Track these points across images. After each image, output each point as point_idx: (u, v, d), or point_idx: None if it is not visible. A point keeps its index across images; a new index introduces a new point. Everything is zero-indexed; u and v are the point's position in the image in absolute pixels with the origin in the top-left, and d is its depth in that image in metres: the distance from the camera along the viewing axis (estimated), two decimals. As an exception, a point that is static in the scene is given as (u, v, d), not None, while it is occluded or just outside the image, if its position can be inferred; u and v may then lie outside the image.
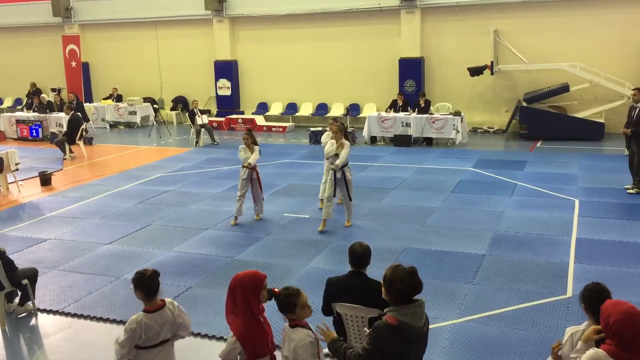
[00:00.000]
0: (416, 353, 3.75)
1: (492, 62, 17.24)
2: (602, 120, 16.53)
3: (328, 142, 9.50)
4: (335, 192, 9.48)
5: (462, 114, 16.50)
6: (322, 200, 10.24)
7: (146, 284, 4.24)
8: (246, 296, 3.90)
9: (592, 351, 3.54)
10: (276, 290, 4.02)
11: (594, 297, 3.88)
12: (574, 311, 6.29)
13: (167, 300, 4.38)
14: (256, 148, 9.68)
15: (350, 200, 9.51)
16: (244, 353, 3.93)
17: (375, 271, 7.11)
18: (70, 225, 10.09)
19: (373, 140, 17.09)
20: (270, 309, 6.60)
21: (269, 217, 10.18)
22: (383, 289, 3.78)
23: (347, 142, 9.32)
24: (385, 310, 3.75)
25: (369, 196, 11.27)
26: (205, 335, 6.18)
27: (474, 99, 18.64)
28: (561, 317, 6.33)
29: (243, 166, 9.69)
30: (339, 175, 9.28)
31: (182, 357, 5.77)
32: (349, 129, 17.25)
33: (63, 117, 17.84)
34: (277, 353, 4.24)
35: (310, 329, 4.00)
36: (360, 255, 4.83)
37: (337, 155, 9.22)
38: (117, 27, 22.81)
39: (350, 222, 9.60)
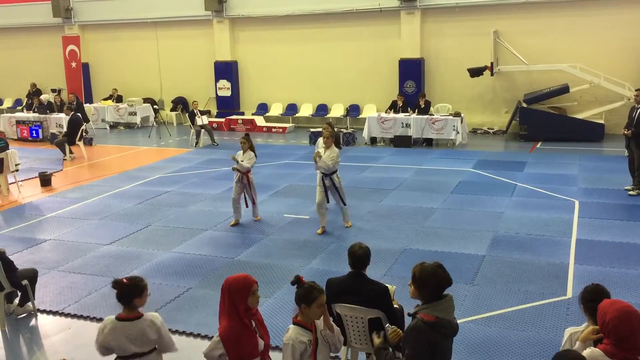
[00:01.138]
0: (450, 346, 3.78)
1: (492, 63, 17.25)
2: (602, 121, 16.54)
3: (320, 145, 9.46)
4: (328, 199, 9.36)
5: (462, 115, 16.50)
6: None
7: (121, 292, 4.26)
8: (234, 300, 3.86)
9: (589, 350, 3.56)
10: (303, 279, 4.03)
11: (593, 299, 3.89)
12: (574, 312, 6.29)
13: (151, 314, 4.34)
14: (251, 154, 9.64)
15: (345, 204, 9.38)
16: (225, 355, 3.89)
17: (376, 272, 7.14)
18: (70, 226, 10.09)
19: (373, 141, 17.09)
20: (270, 310, 6.61)
21: (269, 217, 10.18)
22: (413, 288, 3.77)
23: (335, 149, 9.13)
24: (417, 308, 3.74)
25: (368, 197, 11.28)
26: (205, 336, 6.18)
27: (474, 100, 18.65)
28: (561, 318, 6.33)
29: (233, 168, 9.72)
30: (327, 182, 9.11)
31: (181, 357, 5.77)
32: (349, 130, 17.31)
33: (63, 118, 17.86)
34: (272, 354, 4.23)
35: (313, 331, 3.98)
36: (360, 257, 4.83)
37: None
38: (117, 27, 22.82)
39: (350, 223, 9.58)
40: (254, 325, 3.98)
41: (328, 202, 9.39)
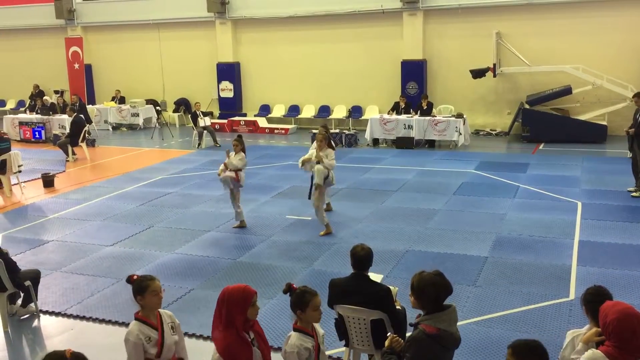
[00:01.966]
0: (451, 357, 3.76)
1: (494, 65, 17.25)
2: (604, 123, 16.51)
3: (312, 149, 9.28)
4: (310, 196, 9.34)
5: (464, 116, 16.48)
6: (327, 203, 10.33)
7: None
8: (231, 312, 3.72)
9: (590, 352, 3.55)
10: (294, 286, 4.00)
11: (595, 300, 3.88)
12: (577, 314, 6.27)
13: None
14: (241, 155, 9.39)
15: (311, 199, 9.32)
16: None
17: (378, 273, 7.12)
18: (72, 227, 10.11)
19: (375, 142, 17.09)
20: (272, 311, 6.61)
21: (271, 219, 10.18)
22: (413, 298, 3.73)
23: (330, 150, 9.15)
24: (419, 319, 3.71)
25: (371, 198, 11.27)
26: (207, 337, 6.18)
27: (477, 101, 18.64)
28: (564, 320, 6.32)
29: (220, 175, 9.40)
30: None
31: (184, 359, 5.78)
32: (352, 131, 17.31)
33: (66, 119, 17.89)
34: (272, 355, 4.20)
35: (314, 336, 3.96)
36: (361, 258, 4.83)
37: (318, 163, 9.07)
38: (120, 29, 22.86)
39: (324, 233, 9.26)
40: (252, 337, 3.87)
41: (310, 198, 9.34)
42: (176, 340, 4.35)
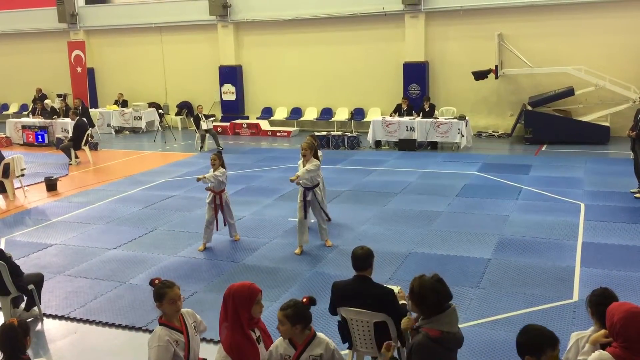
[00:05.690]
0: (455, 357, 3.78)
1: (496, 66, 17.24)
2: (607, 124, 16.49)
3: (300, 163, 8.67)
4: (307, 215, 8.65)
5: (466, 118, 16.47)
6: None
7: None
8: (237, 309, 3.76)
9: (598, 353, 3.53)
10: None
11: (601, 303, 3.85)
12: (581, 315, 6.27)
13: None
14: (221, 170, 8.89)
15: (329, 219, 8.98)
16: None
17: (381, 275, 7.13)
18: (75, 231, 10.12)
19: (378, 144, 17.09)
20: (275, 313, 6.60)
21: (274, 221, 10.18)
22: (412, 303, 3.73)
23: (315, 161, 8.55)
24: (420, 322, 3.71)
25: (373, 200, 11.27)
26: (211, 340, 6.17)
27: (479, 103, 18.63)
28: (567, 322, 6.31)
29: (198, 179, 8.91)
30: (308, 197, 8.53)
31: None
32: (354, 134, 17.30)
33: (69, 123, 17.93)
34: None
35: (299, 349, 3.94)
36: (359, 257, 4.82)
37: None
38: (122, 32, 22.91)
39: (330, 242, 8.89)
40: (257, 335, 3.90)
41: (305, 217, 8.70)
42: (199, 341, 4.33)
